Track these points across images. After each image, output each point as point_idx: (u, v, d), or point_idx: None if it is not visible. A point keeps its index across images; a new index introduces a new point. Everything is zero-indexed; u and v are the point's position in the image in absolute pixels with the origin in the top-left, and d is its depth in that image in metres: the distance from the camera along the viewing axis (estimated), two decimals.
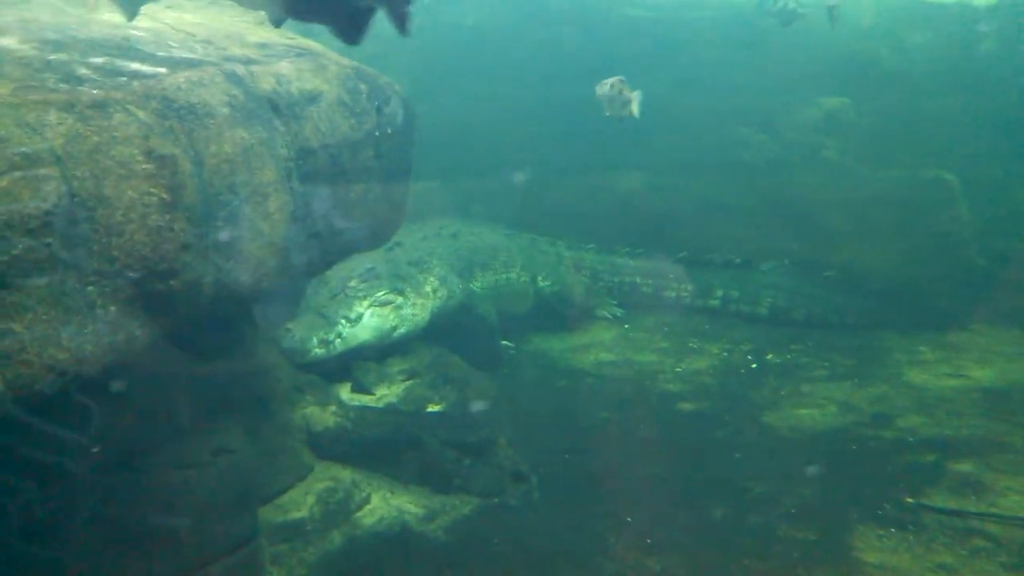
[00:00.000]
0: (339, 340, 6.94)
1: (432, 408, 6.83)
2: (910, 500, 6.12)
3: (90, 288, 3.47)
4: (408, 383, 7.01)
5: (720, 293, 10.24)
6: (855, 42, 11.34)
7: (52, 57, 3.98)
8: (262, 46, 5.08)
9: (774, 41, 10.94)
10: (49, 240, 3.31)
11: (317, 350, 6.79)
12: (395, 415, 6.65)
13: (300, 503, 5.84)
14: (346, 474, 6.25)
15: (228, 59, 4.68)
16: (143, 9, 4.73)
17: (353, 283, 7.28)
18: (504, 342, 8.80)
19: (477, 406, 6.92)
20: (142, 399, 4.30)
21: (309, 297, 7.20)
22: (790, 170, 11.00)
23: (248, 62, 4.75)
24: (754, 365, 8.75)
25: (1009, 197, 11.00)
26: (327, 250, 5.01)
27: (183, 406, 4.58)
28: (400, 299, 7.53)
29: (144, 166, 3.67)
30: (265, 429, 5.84)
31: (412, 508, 6.19)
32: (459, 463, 6.47)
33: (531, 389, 8.19)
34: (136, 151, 3.68)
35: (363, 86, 5.32)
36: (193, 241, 3.81)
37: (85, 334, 3.44)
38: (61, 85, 3.76)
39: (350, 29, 2.49)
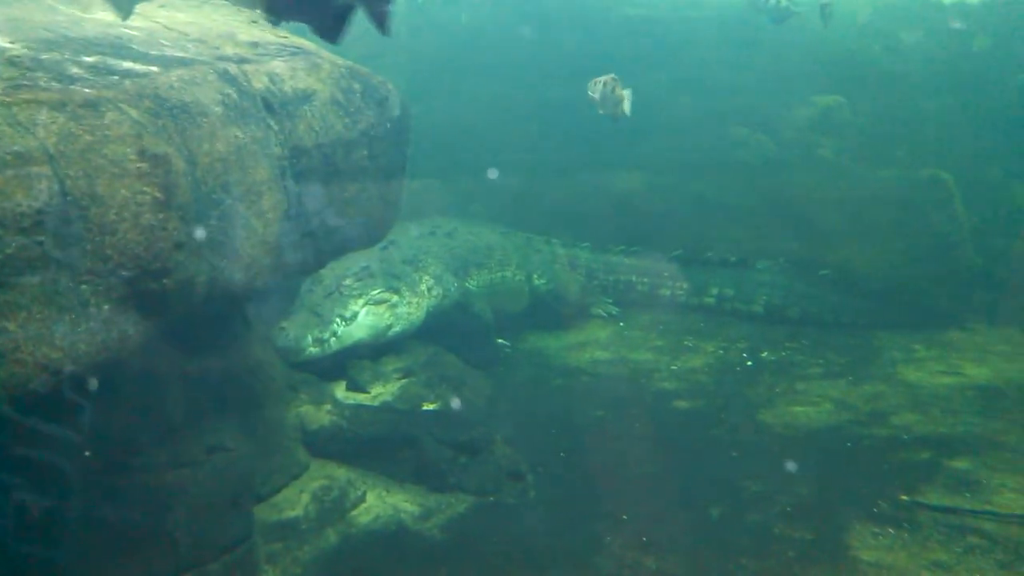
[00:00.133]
0: (334, 339, 6.94)
1: (427, 407, 6.84)
2: (905, 498, 6.13)
3: (83, 287, 3.46)
4: (403, 382, 7.02)
5: (716, 291, 10.25)
6: (850, 41, 11.36)
7: (44, 56, 3.97)
8: (255, 45, 5.07)
9: (770, 40, 10.96)
10: (42, 239, 3.30)
11: (312, 349, 6.78)
12: (390, 413, 6.66)
13: (295, 502, 5.83)
14: (341, 472, 6.25)
15: (221, 58, 4.67)
16: (136, 8, 4.73)
17: (348, 282, 7.28)
18: (499, 340, 8.80)
19: (473, 404, 6.92)
20: (135, 397, 4.30)
21: (303, 296, 7.20)
22: (786, 169, 11.02)
23: (241, 61, 4.74)
24: (749, 363, 8.76)
25: (1005, 196, 11.03)
26: (321, 249, 5.01)
27: (177, 404, 4.58)
28: (395, 297, 7.52)
29: (137, 165, 3.66)
30: (260, 428, 5.83)
31: (408, 507, 6.19)
32: (455, 461, 6.47)
33: (527, 387, 8.20)
34: (129, 150, 3.67)
35: (357, 85, 5.31)
36: (186, 240, 3.81)
37: (78, 333, 3.43)
38: (53, 84, 3.75)
39: (330, 28, 2.50)
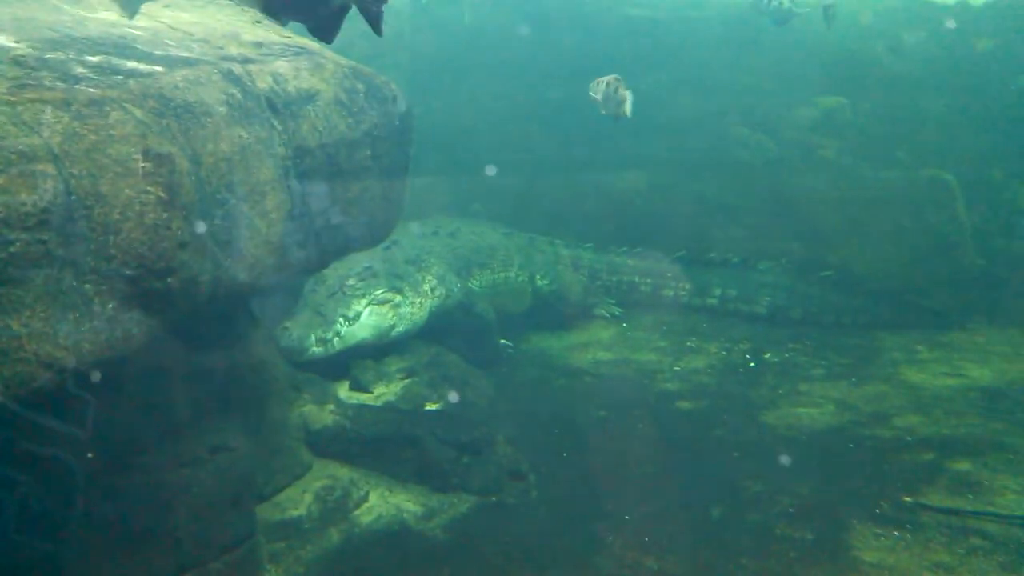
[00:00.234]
0: (337, 339, 6.94)
1: (430, 406, 6.84)
2: (907, 499, 6.13)
3: (87, 285, 3.47)
4: (406, 382, 7.02)
5: (718, 292, 10.26)
6: (852, 41, 11.36)
7: (48, 55, 3.98)
8: (259, 45, 5.07)
9: (772, 41, 10.97)
10: (46, 237, 3.31)
11: (315, 348, 6.79)
12: (393, 413, 6.66)
13: (298, 501, 5.84)
14: (344, 472, 6.25)
15: (225, 58, 4.68)
16: (141, 8, 4.74)
17: (351, 281, 7.29)
18: (502, 341, 8.80)
19: (475, 405, 6.92)
20: (139, 395, 4.31)
21: (307, 296, 7.20)
22: (788, 170, 11.02)
23: (245, 61, 4.75)
24: (752, 364, 8.76)
25: (1007, 197, 11.02)
26: (324, 248, 5.01)
27: (180, 403, 4.58)
28: (398, 298, 7.53)
29: (141, 164, 3.67)
30: (263, 427, 5.84)
31: (410, 506, 6.20)
32: (457, 461, 6.47)
33: (529, 388, 8.20)
34: (133, 149, 3.68)
35: (360, 85, 5.32)
36: (190, 239, 3.81)
37: (82, 331, 3.44)
38: (58, 83, 3.76)
39: (325, 27, 2.52)
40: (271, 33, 5.33)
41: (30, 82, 3.70)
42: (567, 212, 11.06)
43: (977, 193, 10.87)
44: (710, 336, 9.53)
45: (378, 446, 6.45)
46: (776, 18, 9.53)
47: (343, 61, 5.40)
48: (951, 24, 11.21)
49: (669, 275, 10.38)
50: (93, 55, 4.14)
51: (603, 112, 6.81)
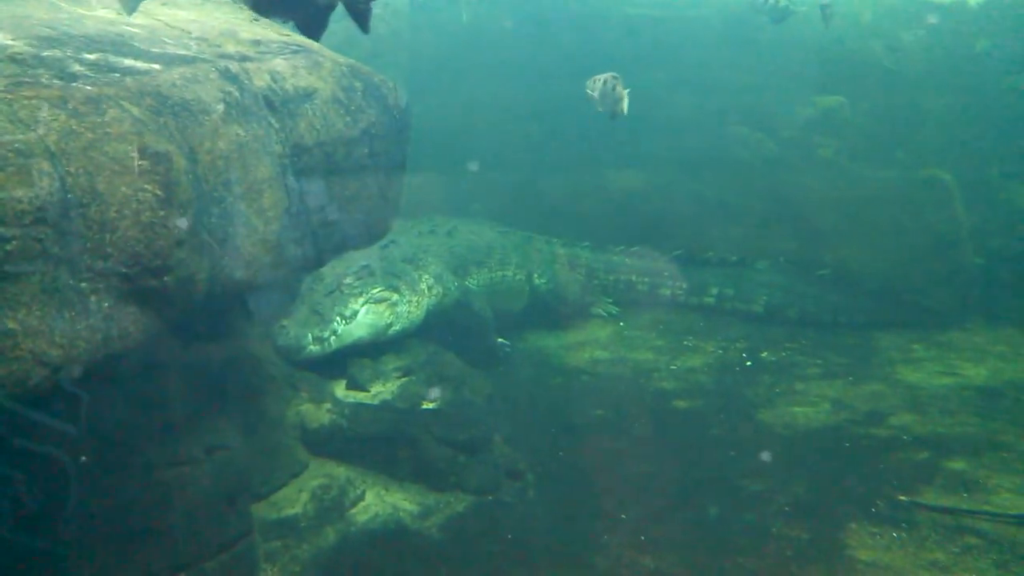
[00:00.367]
0: (334, 337, 6.94)
1: (427, 405, 6.84)
2: (903, 498, 6.14)
3: (83, 283, 3.47)
4: (403, 380, 7.01)
5: (715, 291, 10.27)
6: (851, 41, 11.37)
7: (45, 53, 3.98)
8: (257, 43, 5.07)
9: (771, 40, 10.97)
10: (42, 235, 3.31)
11: (312, 347, 6.79)
12: (390, 412, 6.65)
13: (294, 500, 5.84)
14: (340, 471, 6.25)
15: (223, 56, 4.68)
16: (139, 6, 4.73)
17: (348, 280, 7.29)
18: (499, 340, 8.80)
19: (472, 403, 6.92)
20: (135, 394, 4.30)
21: (304, 294, 7.20)
22: (786, 169, 11.03)
23: (243, 59, 4.74)
24: (749, 363, 8.77)
25: (1004, 197, 11.03)
26: (321, 247, 5.01)
27: (176, 400, 4.58)
28: (395, 296, 7.53)
29: (138, 162, 3.67)
30: (259, 426, 5.84)
31: (407, 505, 6.20)
32: (454, 460, 6.47)
33: (526, 387, 8.21)
34: (130, 147, 3.67)
35: (358, 84, 5.31)
36: (187, 237, 3.81)
37: (78, 329, 3.44)
38: (55, 81, 3.76)
39: (312, 25, 2.53)
40: (269, 31, 5.33)
41: (27, 79, 3.70)
42: (565, 211, 11.06)
43: (975, 193, 10.88)
44: (707, 335, 9.54)
45: (375, 445, 6.45)
46: (773, 17, 9.53)
47: (341, 59, 5.40)
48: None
49: (666, 274, 10.39)
50: (90, 53, 4.14)
51: (599, 110, 6.80)
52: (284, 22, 5.48)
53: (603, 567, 5.53)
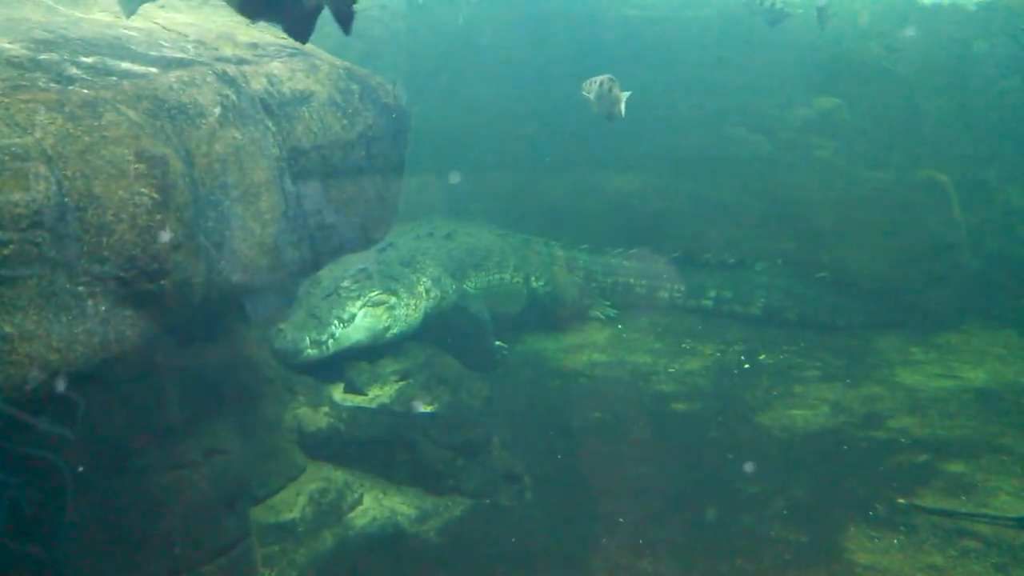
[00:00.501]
0: (332, 340, 6.93)
1: (425, 408, 6.83)
2: (901, 501, 6.13)
3: (80, 287, 3.46)
4: (401, 384, 7.01)
5: (713, 293, 10.26)
6: (848, 42, 11.37)
7: (42, 56, 3.97)
8: (254, 46, 5.07)
9: (768, 41, 10.96)
10: (39, 238, 3.30)
11: (310, 351, 6.78)
12: (388, 416, 6.64)
13: (292, 504, 5.82)
14: (338, 475, 6.24)
15: (220, 59, 4.67)
16: (137, 9, 4.72)
17: (346, 283, 7.28)
18: (497, 343, 8.79)
19: (470, 407, 6.92)
20: (133, 397, 4.29)
21: (301, 298, 7.19)
22: (784, 170, 11.02)
23: (240, 62, 4.74)
24: (747, 366, 8.76)
25: (1002, 199, 11.04)
26: (319, 250, 5.01)
27: (173, 404, 4.57)
28: (393, 299, 7.52)
29: (135, 166, 3.67)
30: (257, 430, 5.83)
31: (404, 509, 6.18)
32: (452, 464, 6.46)
33: (524, 390, 8.19)
34: (127, 151, 3.67)
35: (355, 86, 5.31)
36: (184, 241, 3.81)
37: (75, 333, 3.43)
38: (52, 84, 3.75)
39: (299, 28, 2.52)
40: (266, 34, 5.33)
41: (24, 83, 3.70)
42: (563, 213, 11.06)
43: (972, 194, 10.88)
44: (705, 338, 9.53)
45: (372, 448, 6.43)
46: (769, 19, 9.52)
47: (338, 62, 5.39)
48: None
49: (664, 276, 10.37)
50: (87, 56, 4.14)
51: (596, 111, 6.79)
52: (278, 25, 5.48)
53: (601, 570, 5.52)
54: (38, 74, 3.80)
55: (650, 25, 11.49)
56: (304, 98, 4.92)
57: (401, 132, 5.74)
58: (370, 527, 5.97)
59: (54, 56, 4.01)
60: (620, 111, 6.71)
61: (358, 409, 6.63)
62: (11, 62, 3.83)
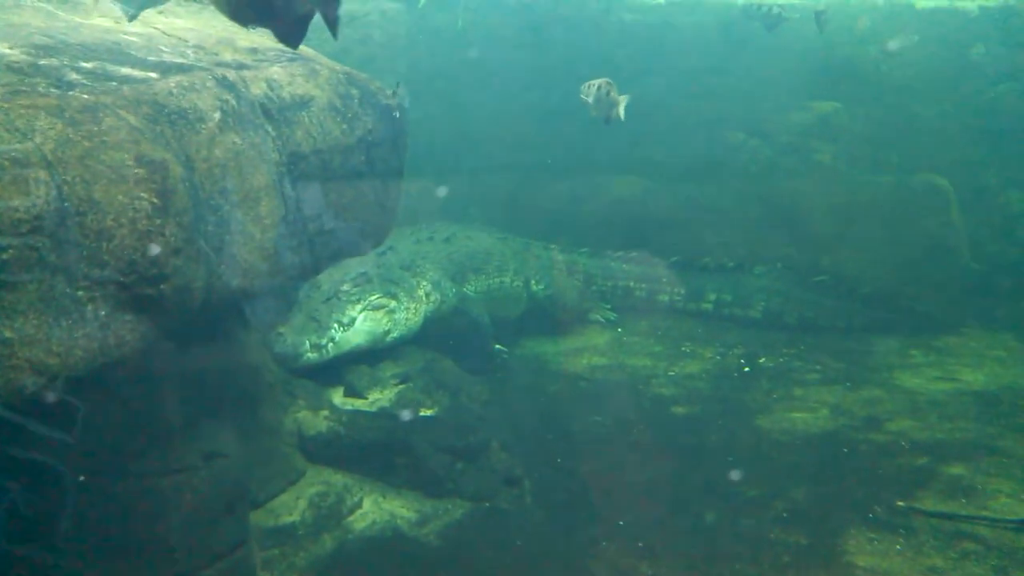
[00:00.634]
0: (332, 344, 6.94)
1: (425, 412, 6.84)
2: (901, 503, 6.14)
3: (80, 292, 3.48)
4: (401, 387, 7.02)
5: (713, 297, 10.26)
6: (846, 46, 11.39)
7: (42, 62, 3.99)
8: (254, 51, 5.09)
9: (767, 46, 10.98)
10: (39, 243, 3.32)
11: (309, 354, 6.79)
12: (388, 419, 6.65)
13: (291, 507, 5.83)
14: (338, 478, 6.24)
15: (219, 64, 4.69)
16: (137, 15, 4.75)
17: (346, 287, 7.29)
18: (497, 346, 8.80)
19: (470, 410, 6.93)
20: (132, 401, 4.30)
21: (301, 301, 7.20)
22: (783, 174, 11.04)
23: (240, 67, 4.76)
24: (747, 369, 8.77)
25: (1001, 202, 11.05)
26: (318, 254, 5.02)
27: (173, 408, 4.58)
28: (393, 303, 7.53)
29: (134, 171, 3.68)
30: (256, 433, 5.83)
31: (404, 512, 6.19)
32: (451, 467, 6.47)
33: (524, 393, 8.19)
34: (126, 156, 3.68)
35: (355, 91, 5.33)
36: (183, 245, 3.82)
37: (75, 338, 3.44)
38: (51, 90, 3.77)
39: (290, 34, 2.54)
40: (266, 39, 5.34)
41: (24, 88, 3.71)
42: (562, 216, 11.07)
43: (972, 198, 10.90)
44: (705, 341, 9.54)
45: (372, 452, 6.44)
46: (766, 23, 9.55)
47: (338, 67, 5.41)
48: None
49: (664, 280, 10.39)
50: (87, 61, 4.15)
51: (594, 115, 6.82)
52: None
53: (601, 573, 5.53)
54: (38, 79, 3.82)
55: (648, 30, 11.51)
56: (304, 103, 4.94)
57: (400, 137, 5.76)
58: (370, 531, 5.98)
59: (54, 61, 4.03)
60: (619, 115, 6.74)
61: (358, 413, 6.64)
62: (11, 67, 3.85)
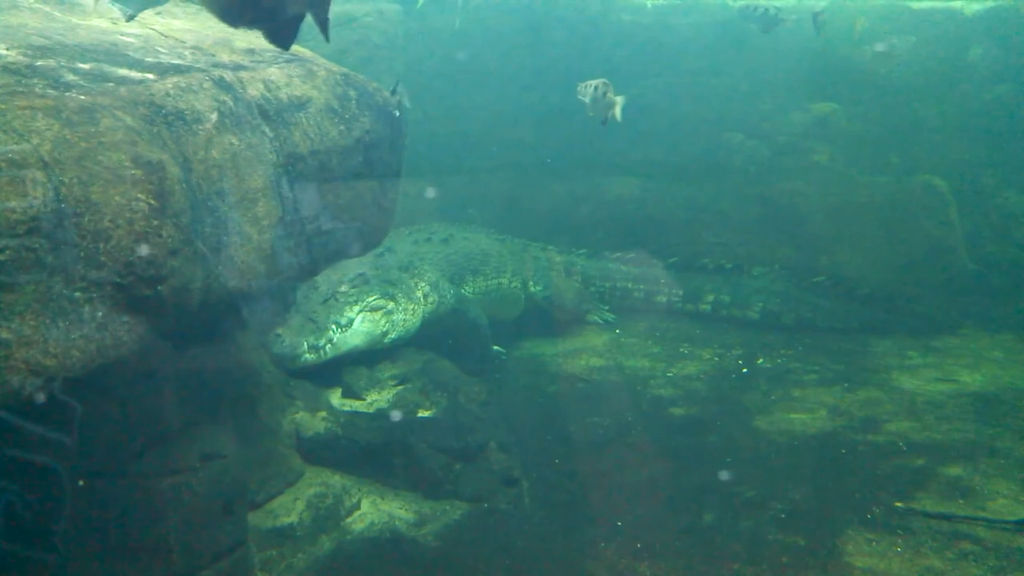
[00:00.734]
0: (330, 346, 6.93)
1: (423, 413, 6.84)
2: (899, 504, 6.14)
3: (77, 293, 3.47)
4: (399, 388, 7.01)
5: (711, 298, 10.28)
6: (844, 47, 11.42)
7: (39, 63, 3.99)
8: (251, 52, 5.09)
9: (765, 47, 11.02)
10: (36, 244, 3.31)
11: (307, 356, 6.78)
12: (386, 420, 6.65)
13: (290, 509, 5.82)
14: (336, 479, 6.24)
15: (217, 65, 4.69)
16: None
17: (344, 288, 7.29)
18: (495, 347, 8.80)
19: (468, 411, 6.92)
20: (130, 402, 4.30)
21: (299, 302, 7.20)
22: (781, 175, 11.06)
23: (237, 68, 4.76)
24: (745, 370, 8.77)
25: (998, 203, 11.07)
26: (316, 255, 5.02)
27: (171, 409, 4.57)
28: (391, 304, 7.53)
29: (131, 172, 3.68)
30: (254, 434, 5.83)
31: (402, 513, 6.18)
32: (449, 468, 6.46)
33: (522, 394, 8.20)
34: (123, 157, 3.68)
35: (352, 92, 5.33)
36: (181, 246, 3.81)
37: (72, 339, 3.43)
38: (48, 91, 3.77)
39: (281, 35, 2.53)
40: (263, 40, 5.33)
41: (21, 89, 3.71)
42: (561, 218, 11.09)
43: (969, 199, 10.93)
44: (703, 342, 9.54)
45: (370, 453, 6.43)
46: (762, 25, 9.56)
47: (335, 68, 5.41)
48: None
49: (662, 281, 10.40)
50: (84, 62, 4.15)
51: (590, 114, 6.85)
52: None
53: (599, 575, 5.52)
54: (35, 80, 3.81)
55: (646, 31, 11.54)
56: (301, 104, 4.93)
57: (398, 137, 5.76)
58: (368, 531, 5.97)
59: (51, 62, 4.03)
60: (615, 115, 6.76)
61: (356, 414, 6.63)
62: (8, 68, 3.84)
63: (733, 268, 10.33)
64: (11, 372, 3.22)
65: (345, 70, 5.48)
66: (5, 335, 3.22)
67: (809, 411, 7.76)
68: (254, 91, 4.67)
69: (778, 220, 10.72)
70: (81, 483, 4.14)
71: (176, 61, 4.55)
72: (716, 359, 9.05)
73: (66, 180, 3.46)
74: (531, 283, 9.80)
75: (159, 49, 4.67)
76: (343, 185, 5.20)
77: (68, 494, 4.10)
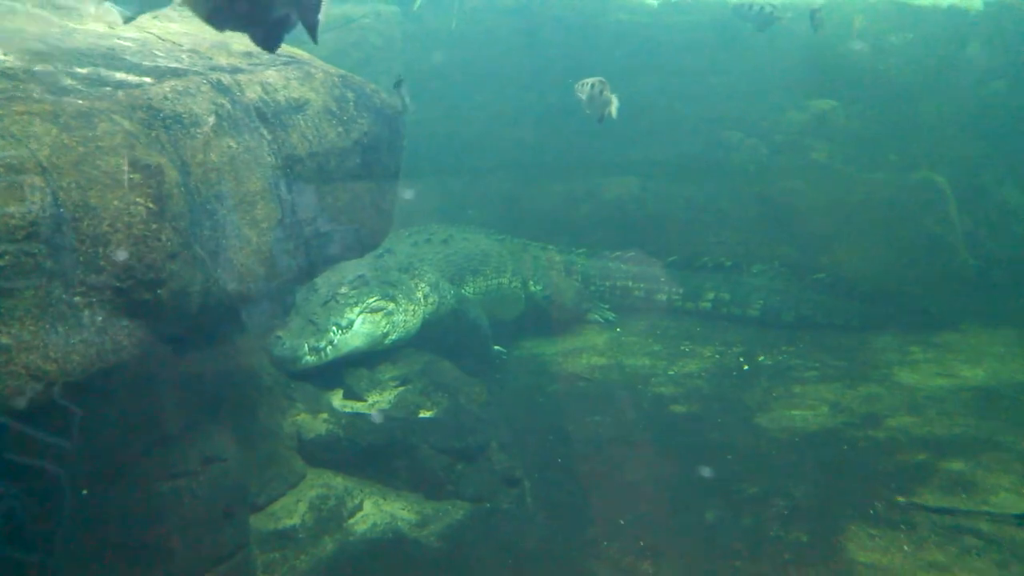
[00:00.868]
0: (330, 347, 6.94)
1: (424, 414, 6.84)
2: (901, 499, 6.14)
3: (76, 297, 3.48)
4: (400, 389, 7.02)
5: (711, 296, 10.28)
6: (842, 45, 11.42)
7: (37, 67, 3.99)
8: (249, 55, 5.09)
9: (762, 45, 11.01)
10: (35, 249, 3.32)
11: (308, 357, 6.79)
12: (387, 421, 6.65)
13: (292, 511, 5.82)
14: (338, 481, 6.24)
15: (214, 68, 4.69)
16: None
17: (344, 290, 7.29)
18: (496, 347, 8.81)
19: (469, 411, 6.92)
20: (130, 405, 4.30)
21: (299, 305, 7.20)
22: (779, 173, 11.07)
23: (234, 71, 4.76)
24: (746, 367, 8.77)
25: (997, 199, 11.07)
26: (315, 257, 5.02)
27: (172, 412, 4.58)
28: (391, 305, 7.53)
29: (130, 176, 3.68)
30: (255, 437, 5.83)
31: (404, 514, 6.19)
32: (451, 469, 6.47)
33: (523, 394, 8.20)
34: (122, 161, 3.68)
35: (350, 94, 5.33)
36: (180, 250, 3.82)
37: (72, 343, 3.44)
38: (46, 96, 3.77)
39: (268, 38, 2.53)
40: None
41: (18, 94, 3.71)
42: (560, 217, 11.09)
43: (968, 195, 10.93)
44: (704, 340, 9.54)
45: (372, 454, 6.44)
46: (758, 23, 9.56)
47: (333, 70, 5.41)
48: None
49: (662, 279, 10.40)
50: (82, 67, 4.15)
51: (587, 112, 6.86)
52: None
53: (602, 573, 5.52)
54: (32, 85, 3.82)
55: (643, 30, 11.54)
56: (299, 106, 4.94)
57: (397, 139, 5.76)
58: (370, 533, 5.97)
59: (48, 67, 4.03)
60: (612, 113, 6.78)
61: (357, 415, 6.64)
62: (5, 73, 3.85)
63: (733, 266, 10.34)
64: (11, 377, 3.23)
65: (343, 72, 5.48)
66: (5, 340, 3.23)
67: (810, 407, 7.75)
68: (252, 94, 4.68)
69: (777, 218, 10.72)
70: (84, 492, 4.14)
71: (173, 65, 4.55)
72: (717, 357, 9.05)
73: (64, 185, 3.47)
74: (531, 283, 9.80)
75: (156, 53, 4.68)
76: (341, 187, 5.20)
77: (68, 499, 4.10)
